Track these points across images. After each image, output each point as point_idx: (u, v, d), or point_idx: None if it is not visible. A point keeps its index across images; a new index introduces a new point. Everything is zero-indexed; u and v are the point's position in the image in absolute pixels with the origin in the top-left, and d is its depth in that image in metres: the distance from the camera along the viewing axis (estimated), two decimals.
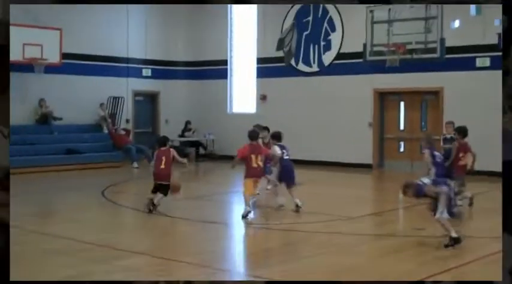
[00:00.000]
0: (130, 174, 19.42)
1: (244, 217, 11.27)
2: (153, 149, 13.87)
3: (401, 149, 20.28)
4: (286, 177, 12.37)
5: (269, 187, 13.98)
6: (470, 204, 12.54)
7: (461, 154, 12.50)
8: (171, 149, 12.21)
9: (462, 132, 12.76)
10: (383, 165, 20.45)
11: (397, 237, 10.14)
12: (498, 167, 17.57)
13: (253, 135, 11.75)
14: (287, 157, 12.40)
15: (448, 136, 13.48)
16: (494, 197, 15.34)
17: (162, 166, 11.84)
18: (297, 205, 12.01)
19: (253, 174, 11.46)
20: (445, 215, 8.98)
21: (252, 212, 11.56)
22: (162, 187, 11.82)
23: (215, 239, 10.07)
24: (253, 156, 11.36)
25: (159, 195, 11.81)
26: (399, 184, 11.33)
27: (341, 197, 13.77)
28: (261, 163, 11.50)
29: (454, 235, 8.93)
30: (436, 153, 11.44)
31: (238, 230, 11.33)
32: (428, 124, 19.63)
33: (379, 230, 10.98)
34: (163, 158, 11.86)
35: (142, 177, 19.21)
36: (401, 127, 20.24)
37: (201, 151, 24.09)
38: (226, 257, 8.89)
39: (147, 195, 11.98)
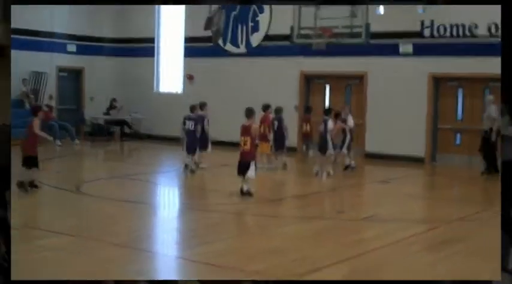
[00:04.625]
0: (52, 152, 19.01)
1: None
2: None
3: None
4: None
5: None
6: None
7: None
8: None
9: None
10: (309, 147, 20.57)
11: (319, 219, 10.32)
12: (418, 152, 18.27)
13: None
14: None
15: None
16: (414, 182, 15.84)
17: None
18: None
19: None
20: None
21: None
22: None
23: (139, 219, 10.04)
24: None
25: None
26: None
27: (264, 179, 13.88)
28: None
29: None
30: None
31: (162, 210, 11.33)
32: (353, 108, 19.91)
33: (301, 212, 11.15)
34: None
35: (65, 155, 18.90)
36: None
37: (126, 130, 23.73)
38: (150, 238, 8.86)
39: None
